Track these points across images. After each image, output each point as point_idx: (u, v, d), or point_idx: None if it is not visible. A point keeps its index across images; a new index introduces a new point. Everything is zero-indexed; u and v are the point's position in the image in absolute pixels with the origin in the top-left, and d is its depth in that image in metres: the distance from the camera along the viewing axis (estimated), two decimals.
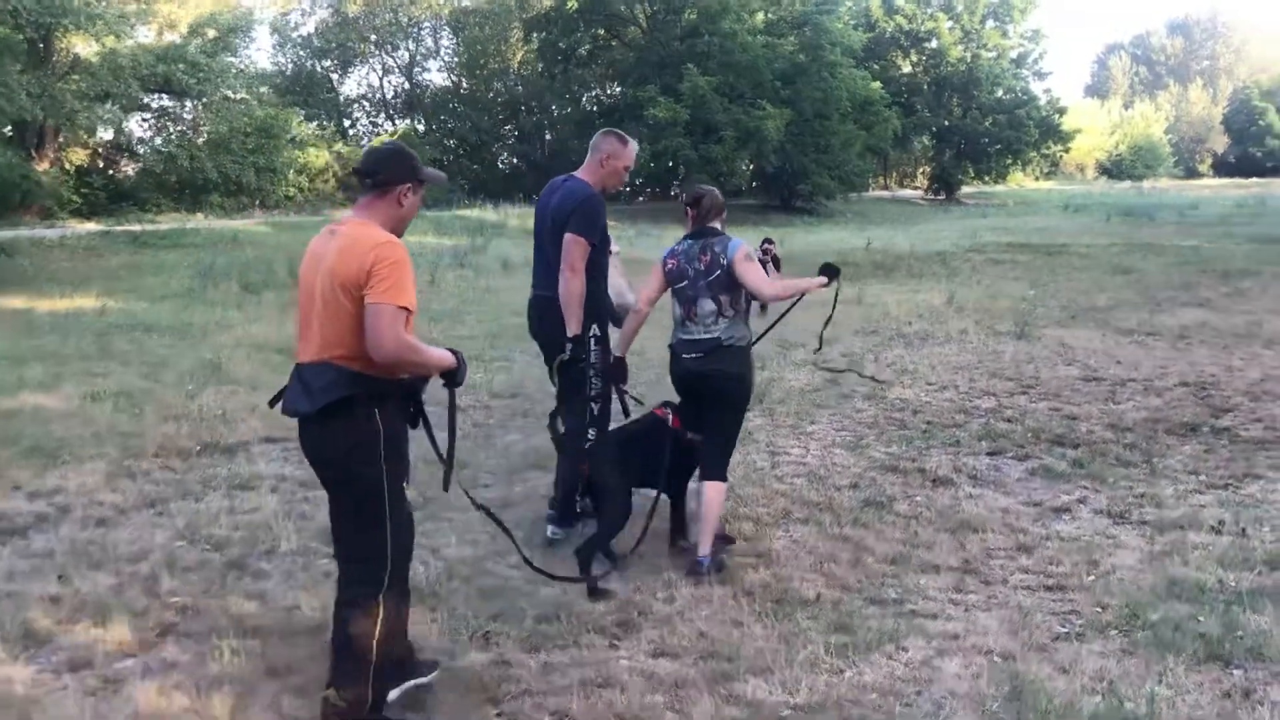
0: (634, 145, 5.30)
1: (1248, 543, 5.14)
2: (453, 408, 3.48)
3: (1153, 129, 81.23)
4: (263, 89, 38.12)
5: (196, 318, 13.10)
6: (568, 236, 4.95)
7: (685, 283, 4.85)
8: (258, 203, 35.73)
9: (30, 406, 7.98)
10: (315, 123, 45.98)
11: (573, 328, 4.95)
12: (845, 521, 5.52)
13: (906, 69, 52.08)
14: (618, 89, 39.59)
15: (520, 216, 33.46)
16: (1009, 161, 52.05)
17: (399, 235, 3.33)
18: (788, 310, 5.47)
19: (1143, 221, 33.83)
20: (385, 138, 41.14)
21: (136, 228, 27.31)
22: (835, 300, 5.47)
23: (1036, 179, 56.97)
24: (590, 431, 5.09)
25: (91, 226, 27.37)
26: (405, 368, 3.26)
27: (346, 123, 48.46)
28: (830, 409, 8.08)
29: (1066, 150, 53.47)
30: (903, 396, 8.54)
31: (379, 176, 3.35)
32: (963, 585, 4.71)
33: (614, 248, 5.46)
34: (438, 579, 4.73)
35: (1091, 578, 4.78)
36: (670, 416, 4.96)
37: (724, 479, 4.94)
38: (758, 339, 5.14)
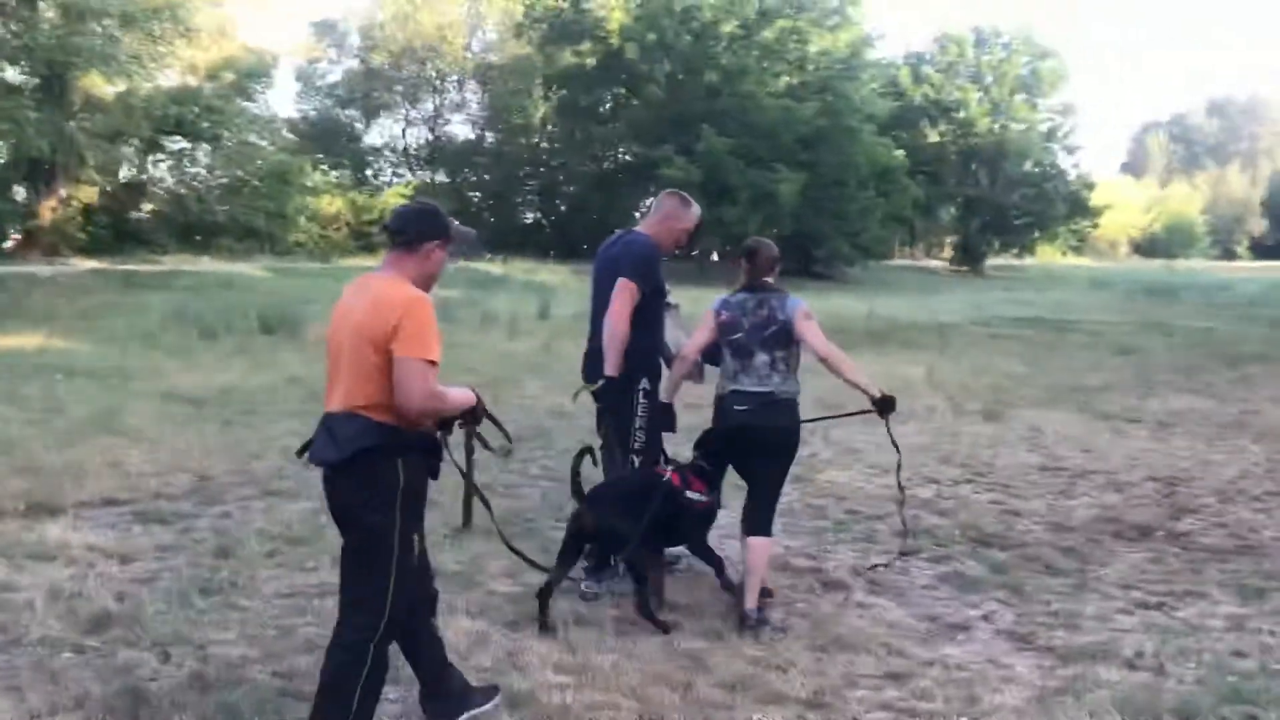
0: (696, 209, 5.34)
1: (1162, 682, 4.30)
2: (470, 446, 3.56)
3: (1189, 208, 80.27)
4: (279, 134, 38.16)
5: (134, 362, 12.56)
6: (619, 281, 4.99)
7: (740, 335, 4.87)
8: (268, 248, 35.52)
9: None
10: (335, 170, 46.22)
11: (610, 368, 4.95)
12: (698, 632, 4.72)
13: (934, 138, 51.56)
14: (637, 148, 39.19)
15: (527, 270, 33.10)
16: (1035, 235, 51.25)
17: (427, 291, 3.39)
18: (830, 418, 6.45)
19: (1167, 301, 32.88)
20: (402, 189, 40.86)
21: (133, 268, 27.11)
22: (893, 440, 5.38)
23: (1064, 254, 55.96)
24: None
25: (91, 264, 27.11)
26: (431, 417, 3.35)
27: (369, 172, 48.71)
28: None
29: (1095, 226, 52.74)
30: (833, 479, 7.75)
31: (409, 233, 3.41)
32: None
33: (672, 300, 5.47)
34: None
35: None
36: (669, 473, 4.86)
37: (769, 534, 4.91)
38: (817, 420, 5.48)
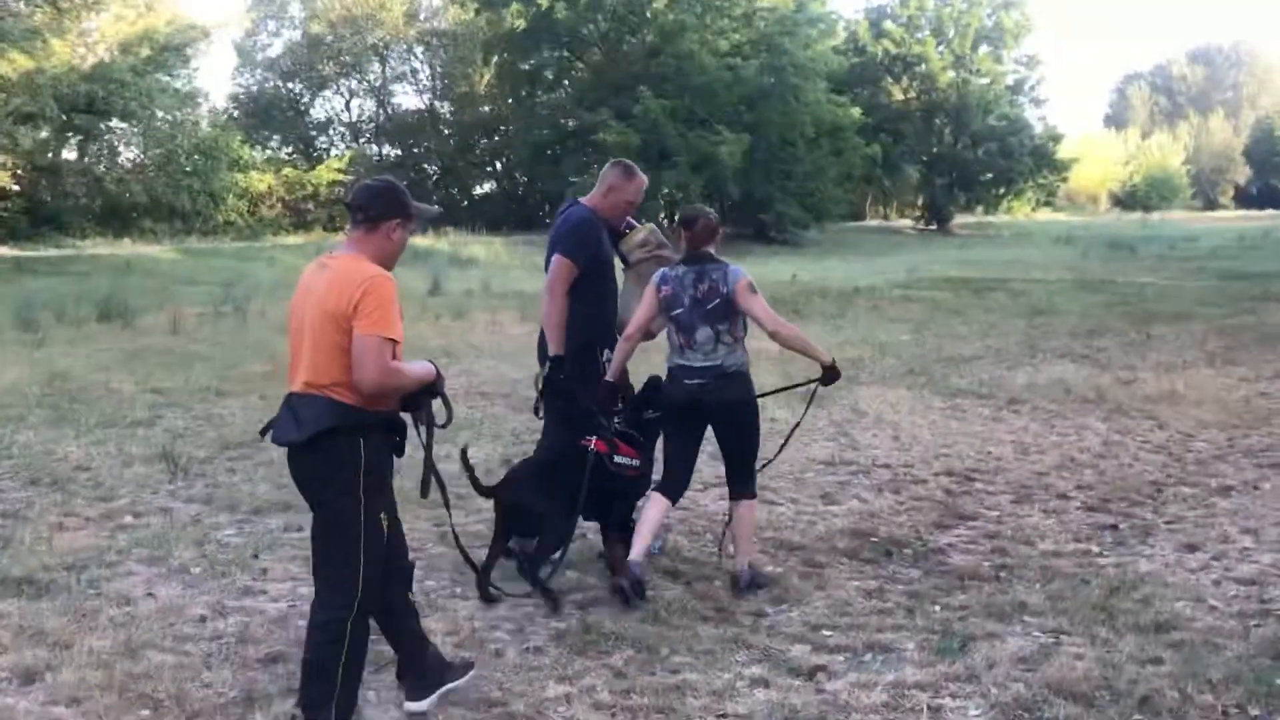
0: (640, 180, 5.19)
1: None
2: (430, 421, 3.50)
3: (1169, 159, 78.61)
4: (204, 109, 36.81)
5: None
6: (554, 258, 4.96)
7: (681, 310, 4.81)
8: (196, 228, 34.22)
9: None
10: (285, 147, 44.88)
11: (553, 347, 4.92)
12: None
13: (898, 95, 50.13)
14: (581, 113, 37.76)
15: (454, 243, 31.82)
16: (1002, 191, 49.80)
17: (388, 269, 3.38)
18: (780, 390, 5.84)
19: (1123, 255, 31.61)
20: (336, 162, 39.47)
21: (38, 253, 25.93)
22: (807, 406, 5.58)
23: (1033, 209, 54.50)
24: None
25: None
26: (392, 394, 3.36)
27: (319, 146, 47.26)
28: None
29: (1064, 180, 51.24)
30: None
31: (369, 212, 3.41)
32: None
33: (631, 257, 5.33)
34: None
35: None
36: (593, 440, 4.80)
37: (752, 495, 5.01)
38: (769, 393, 5.34)
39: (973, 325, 14.84)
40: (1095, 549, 5.48)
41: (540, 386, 5.08)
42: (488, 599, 4.65)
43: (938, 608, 4.69)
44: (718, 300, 4.72)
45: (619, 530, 4.91)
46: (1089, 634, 4.35)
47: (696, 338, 4.77)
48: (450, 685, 3.71)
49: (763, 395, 5.10)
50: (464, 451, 4.80)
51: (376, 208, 3.41)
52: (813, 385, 5.13)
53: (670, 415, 4.93)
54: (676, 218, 4.99)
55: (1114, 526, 5.87)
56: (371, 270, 3.30)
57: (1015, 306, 17.12)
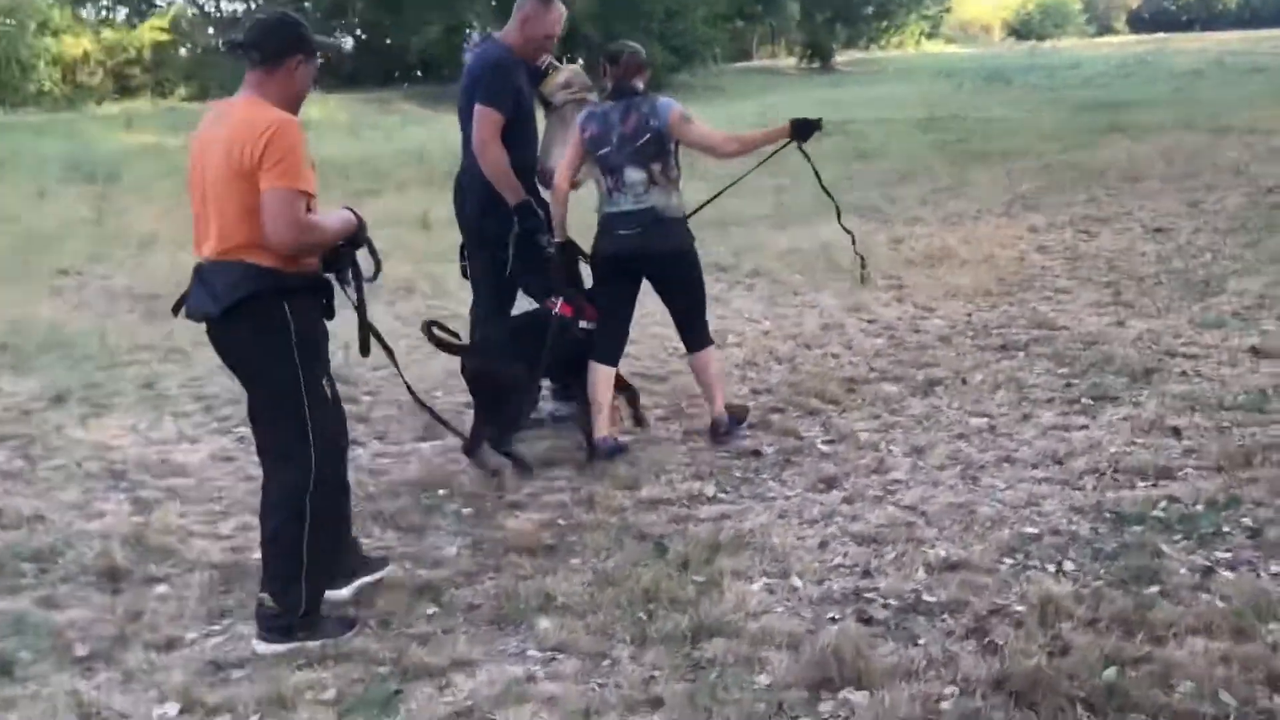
0: (559, 9, 4.69)
1: None
2: (359, 275, 3.22)
3: None
4: None
5: None
6: (476, 108, 4.53)
7: (608, 149, 4.46)
8: (5, 100, 31.10)
9: None
10: (103, 6, 41.08)
11: (510, 197, 4.53)
12: None
13: None
14: None
15: None
16: (884, 25, 47.82)
17: (294, 112, 3.10)
18: (745, 175, 5.09)
19: (998, 87, 30.29)
20: (158, 20, 36.11)
21: None
22: (811, 161, 4.73)
23: (916, 43, 52.64)
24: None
25: None
26: (310, 251, 3.09)
27: (159, 3, 43.26)
28: None
29: (947, 10, 49.37)
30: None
31: (266, 49, 3.09)
32: None
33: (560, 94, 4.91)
34: None
35: None
36: (559, 303, 4.52)
37: (709, 343, 4.73)
38: (698, 209, 4.86)
39: (780, 176, 13.36)
40: (710, 491, 4.20)
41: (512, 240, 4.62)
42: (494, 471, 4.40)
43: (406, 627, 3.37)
44: (648, 135, 4.40)
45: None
46: (600, 652, 3.07)
47: (626, 178, 4.44)
48: (364, 580, 3.47)
49: (733, 183, 5.03)
50: (427, 326, 4.41)
51: (273, 44, 3.09)
52: (789, 144, 4.59)
53: (602, 270, 4.62)
54: (604, 51, 4.67)
55: (756, 453, 4.60)
56: (273, 115, 2.99)
57: (839, 151, 15.61)
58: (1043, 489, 4.02)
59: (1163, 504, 3.78)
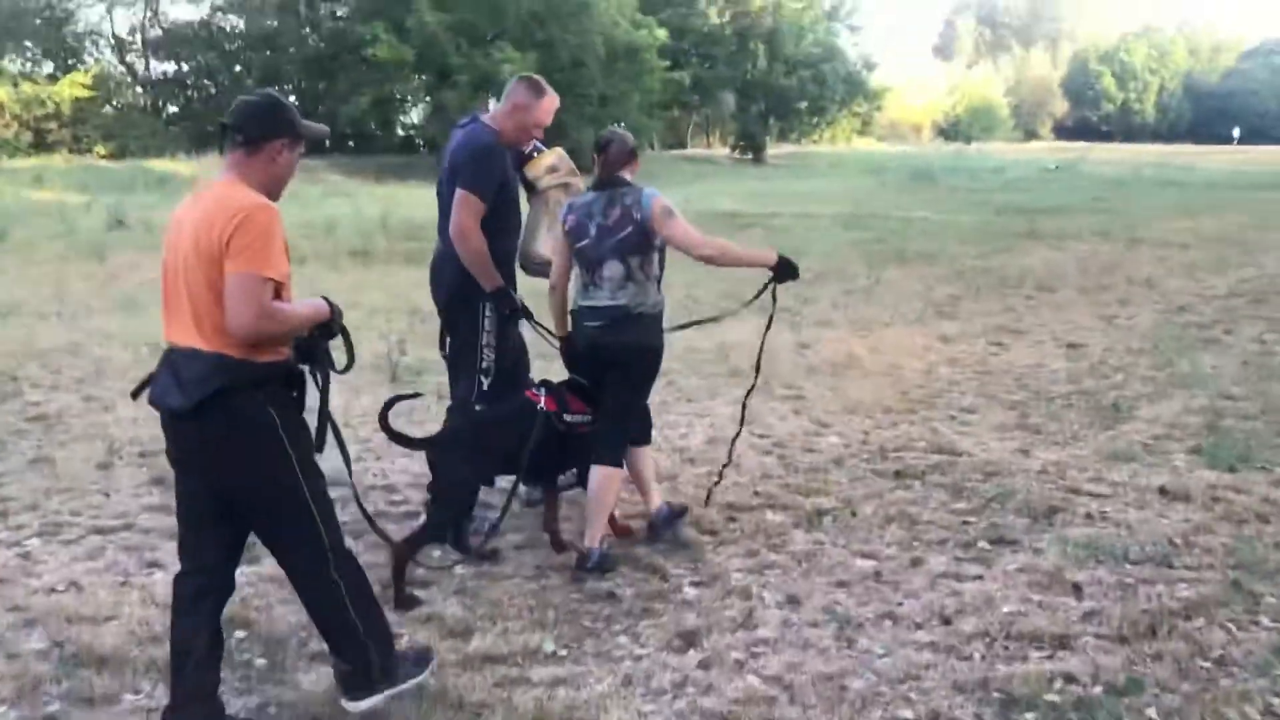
0: (551, 98, 4.53)
1: None
2: (325, 368, 3.03)
3: (991, 91, 79.33)
4: None
5: None
6: (458, 193, 4.34)
7: (587, 242, 4.29)
8: None
9: None
10: (27, 60, 40.20)
11: (486, 284, 4.39)
12: None
13: (713, 18, 48.09)
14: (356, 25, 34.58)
15: (208, 167, 28.64)
16: (815, 120, 48.61)
17: (275, 198, 3.01)
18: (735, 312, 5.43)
19: (922, 186, 30.70)
20: (79, 75, 35.31)
21: None
22: (771, 314, 4.71)
23: (848, 139, 53.62)
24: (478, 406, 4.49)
25: None
26: (274, 342, 2.91)
27: (90, 60, 42.40)
28: None
29: (878, 109, 50.38)
30: None
31: (249, 131, 2.98)
32: None
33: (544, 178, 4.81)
34: None
35: None
36: (543, 398, 4.31)
37: (617, 464, 4.35)
38: (681, 327, 4.92)
39: (694, 271, 13.06)
40: (549, 647, 3.63)
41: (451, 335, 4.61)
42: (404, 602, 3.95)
43: None
44: (630, 229, 4.21)
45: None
46: None
47: (603, 273, 4.26)
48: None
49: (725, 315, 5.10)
50: (385, 407, 4.20)
51: (257, 127, 2.97)
52: (769, 287, 4.48)
53: (580, 367, 4.46)
54: (596, 139, 4.53)
55: (612, 595, 4.05)
56: (249, 199, 2.86)
57: (760, 246, 15.46)
58: (925, 656, 3.52)
59: (1058, 684, 3.31)
